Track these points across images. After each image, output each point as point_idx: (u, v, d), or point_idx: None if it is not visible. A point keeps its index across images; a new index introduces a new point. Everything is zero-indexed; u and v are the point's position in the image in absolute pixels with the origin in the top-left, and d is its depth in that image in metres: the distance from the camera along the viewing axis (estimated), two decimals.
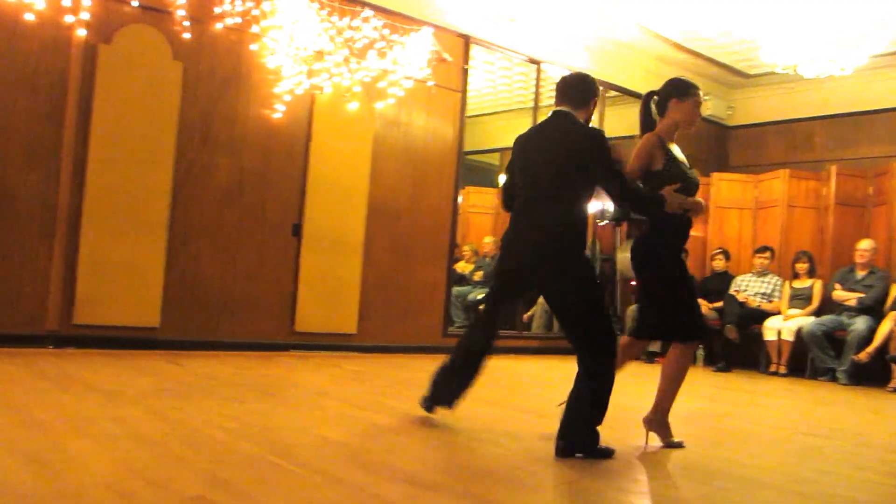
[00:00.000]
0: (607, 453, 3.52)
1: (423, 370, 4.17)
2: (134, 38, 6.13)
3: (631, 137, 10.38)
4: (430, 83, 7.63)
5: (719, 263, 9.30)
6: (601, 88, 9.26)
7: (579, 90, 3.87)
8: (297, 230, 6.94)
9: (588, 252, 3.97)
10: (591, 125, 3.91)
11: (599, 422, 3.56)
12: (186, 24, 6.16)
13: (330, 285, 7.10)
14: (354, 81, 7.05)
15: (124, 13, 6.06)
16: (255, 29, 6.56)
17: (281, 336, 6.84)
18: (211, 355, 6.18)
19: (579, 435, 3.51)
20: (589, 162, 3.70)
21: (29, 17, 5.59)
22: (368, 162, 7.37)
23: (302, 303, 6.94)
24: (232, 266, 6.60)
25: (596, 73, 9.02)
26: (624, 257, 9.14)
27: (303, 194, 6.97)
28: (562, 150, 3.76)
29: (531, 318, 9.44)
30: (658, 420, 3.96)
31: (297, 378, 5.55)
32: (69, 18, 5.72)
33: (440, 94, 7.82)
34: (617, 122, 10.15)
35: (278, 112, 6.73)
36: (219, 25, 6.39)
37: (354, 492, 2.68)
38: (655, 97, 4.19)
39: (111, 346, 5.97)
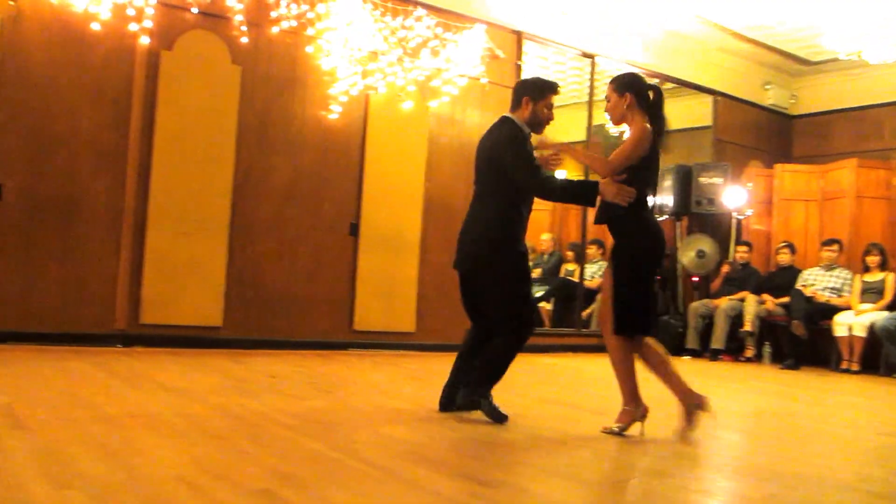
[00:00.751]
0: (499, 417, 3.87)
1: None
2: (194, 44, 6.28)
3: (688, 130, 10.29)
4: (484, 80, 7.63)
5: (785, 257, 9.08)
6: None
7: (515, 92, 4.15)
8: (354, 229, 7.01)
9: (516, 246, 4.07)
10: (513, 124, 4.08)
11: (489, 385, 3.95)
12: (244, 28, 6.28)
13: (387, 284, 7.16)
14: (408, 81, 7.09)
15: (185, 20, 6.20)
16: (310, 31, 6.65)
17: (340, 334, 6.92)
18: (271, 354, 6.28)
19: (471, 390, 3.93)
20: (500, 157, 3.97)
21: (95, 27, 5.76)
22: (423, 160, 7.40)
23: (360, 301, 7.01)
24: (291, 265, 6.71)
25: (652, 65, 9.05)
26: (686, 253, 9.03)
27: (359, 194, 7.04)
28: (486, 152, 4.10)
29: (590, 316, 9.35)
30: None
31: (357, 376, 5.60)
32: (133, 27, 5.88)
33: (494, 91, 7.79)
34: (675, 114, 10.00)
35: (334, 113, 6.81)
36: (275, 29, 6.50)
37: (415, 488, 2.69)
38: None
39: (176, 344, 6.12)
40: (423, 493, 2.64)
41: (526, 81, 4.27)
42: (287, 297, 6.68)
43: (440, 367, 5.06)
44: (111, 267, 5.97)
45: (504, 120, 4.13)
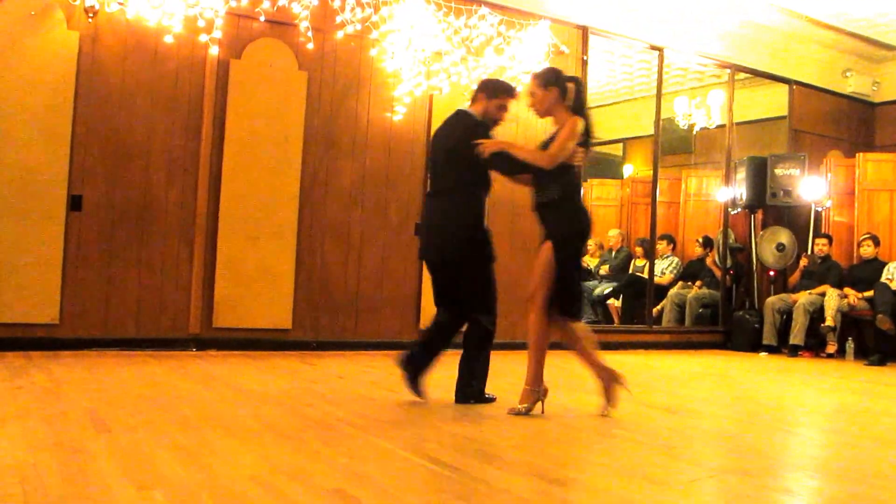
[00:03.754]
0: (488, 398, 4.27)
1: (549, 367, 4.14)
2: (262, 51, 6.40)
3: (762, 121, 10.03)
4: None
5: (868, 250, 8.74)
6: (727, 69, 9.05)
7: (476, 88, 4.42)
8: (419, 230, 7.03)
9: (485, 234, 4.36)
10: (471, 115, 4.28)
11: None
12: (310, 34, 6.36)
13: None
14: (472, 80, 7.08)
15: (253, 29, 6.33)
16: (374, 35, 6.70)
17: (407, 335, 6.93)
18: (340, 355, 6.36)
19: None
20: (462, 149, 4.12)
21: (168, 39, 5.92)
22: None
23: (427, 301, 7.00)
24: (358, 267, 6.79)
25: (725, 55, 8.84)
26: (765, 247, 8.80)
27: (424, 194, 7.05)
28: (444, 144, 4.28)
29: (660, 313, 9.21)
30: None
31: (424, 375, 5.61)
32: (203, 38, 6.02)
33: None
34: (748, 104, 9.79)
35: (399, 114, 6.85)
36: (340, 34, 6.57)
37: (484, 486, 2.69)
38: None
39: (248, 347, 6.24)
40: (494, 491, 2.63)
41: (487, 80, 4.53)
42: (355, 298, 6.76)
43: (508, 366, 5.05)
44: (185, 273, 6.13)
45: (461, 112, 4.35)
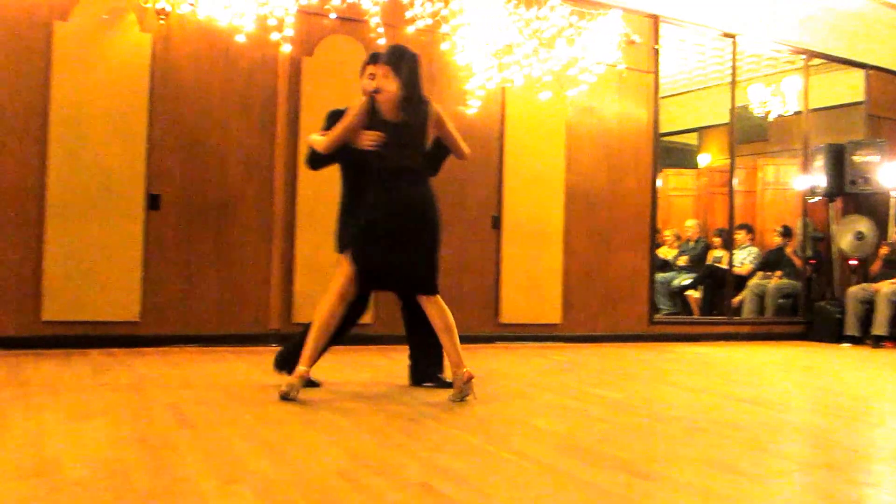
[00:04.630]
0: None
1: (629, 360, 4.07)
2: (333, 48, 6.44)
3: (838, 107, 9.70)
4: (621, 66, 7.44)
5: None
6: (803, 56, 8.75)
7: None
8: (496, 222, 7.02)
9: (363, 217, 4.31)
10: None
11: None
12: (380, 30, 6.37)
13: (532, 276, 7.13)
14: (545, 71, 7.01)
15: (324, 26, 6.37)
16: (444, 29, 6.68)
17: (486, 328, 6.94)
18: None
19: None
20: None
21: (240, 38, 6.00)
22: (563, 150, 7.33)
23: (505, 294, 7.02)
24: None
25: (799, 42, 8.56)
26: (844, 236, 8.50)
27: (500, 187, 7.05)
28: None
29: (741, 303, 8.99)
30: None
31: (505, 369, 5.59)
32: (275, 36, 6.08)
33: (631, 77, 7.62)
34: (823, 91, 9.48)
35: (471, 108, 6.81)
36: (410, 29, 6.56)
37: (570, 480, 2.64)
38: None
39: (330, 342, 6.27)
40: (580, 485, 2.58)
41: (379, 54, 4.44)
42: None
43: (587, 359, 5.00)
44: (264, 269, 6.21)
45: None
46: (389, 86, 4.04)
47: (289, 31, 6.10)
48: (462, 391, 4.00)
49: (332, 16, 6.31)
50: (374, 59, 4.32)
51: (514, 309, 7.03)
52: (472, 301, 6.90)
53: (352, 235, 4.16)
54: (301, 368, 3.96)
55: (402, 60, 4.08)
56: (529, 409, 4.02)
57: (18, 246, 5.54)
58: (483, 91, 6.82)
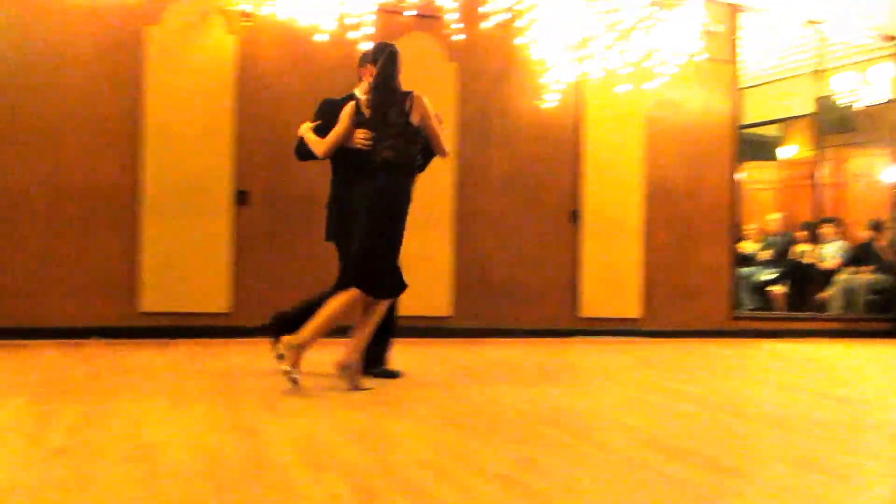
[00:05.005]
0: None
1: (712, 355, 4.01)
2: (411, 46, 6.49)
3: None
4: (701, 57, 7.30)
5: None
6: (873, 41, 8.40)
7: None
8: (574, 216, 7.00)
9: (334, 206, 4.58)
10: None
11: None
12: (458, 26, 6.41)
13: (611, 270, 7.10)
14: (623, 64, 6.93)
15: (402, 23, 6.45)
16: (520, 23, 6.67)
17: (565, 322, 6.94)
18: (499, 342, 6.40)
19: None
20: None
21: (320, 38, 6.11)
22: (642, 143, 7.26)
23: (584, 288, 7.00)
24: (515, 255, 6.83)
25: (886, 27, 8.23)
26: None
27: (578, 181, 7.03)
28: None
29: (827, 300, 8.71)
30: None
31: (586, 363, 5.58)
32: (354, 34, 6.17)
33: (711, 68, 7.47)
34: None
35: (549, 101, 6.80)
36: (487, 24, 6.58)
37: (657, 475, 2.63)
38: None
39: (409, 334, 6.33)
40: (666, 481, 2.57)
41: (362, 54, 4.60)
42: (512, 285, 6.80)
43: (669, 354, 4.94)
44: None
45: (347, 96, 4.43)
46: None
47: (368, 30, 6.18)
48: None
49: (411, 13, 6.37)
50: (362, 60, 4.47)
51: (593, 303, 7.02)
52: (549, 295, 6.92)
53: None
54: (297, 340, 4.00)
55: (379, 56, 4.20)
56: (611, 404, 4.00)
57: (117, 242, 5.83)
58: (560, 85, 6.79)
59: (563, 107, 6.90)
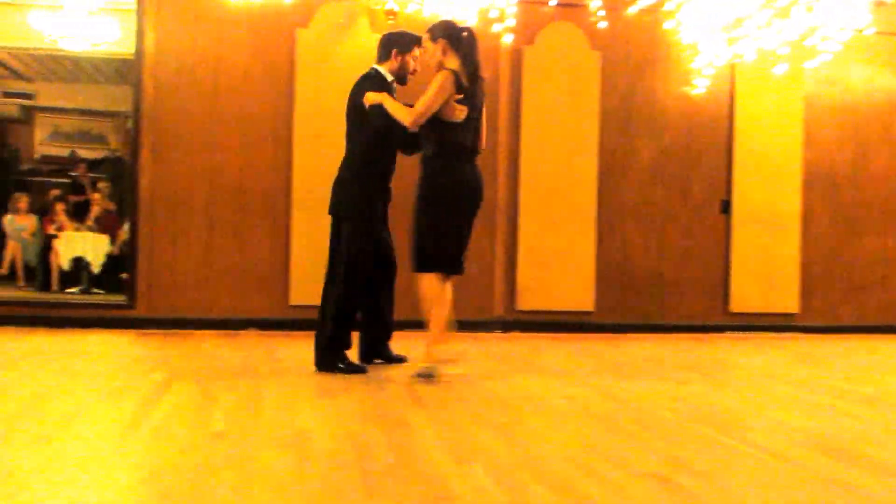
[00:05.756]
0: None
1: (881, 352, 3.75)
2: (554, 35, 6.43)
3: None
4: (870, 31, 6.79)
5: None
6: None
7: (382, 45, 4.38)
8: (725, 207, 6.70)
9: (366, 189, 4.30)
10: (380, 75, 4.31)
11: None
12: (601, 14, 6.26)
13: (766, 263, 6.74)
14: (780, 43, 6.55)
15: (544, 14, 6.38)
16: (668, 7, 6.44)
17: (715, 317, 6.66)
18: (644, 337, 6.23)
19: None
20: (351, 108, 4.24)
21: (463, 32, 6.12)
22: (800, 127, 6.85)
23: (736, 282, 6.68)
24: (660, 247, 6.61)
25: None
26: None
27: (729, 169, 6.73)
28: (350, 102, 4.29)
29: None
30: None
31: (738, 359, 5.34)
32: (497, 27, 6.16)
33: (882, 42, 6.95)
34: None
35: (698, 87, 6.53)
36: (632, 10, 6.39)
37: (822, 480, 2.46)
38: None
39: (551, 329, 6.31)
40: (829, 484, 2.40)
41: (393, 34, 4.48)
42: (658, 279, 6.60)
43: (832, 350, 4.65)
44: (488, 257, 6.33)
45: (370, 72, 4.35)
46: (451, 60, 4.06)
47: (510, 22, 6.15)
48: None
49: (553, 3, 6.28)
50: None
51: (745, 297, 6.69)
52: (698, 289, 6.67)
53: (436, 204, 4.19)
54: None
55: (456, 36, 4.11)
56: (767, 402, 3.81)
57: (270, 239, 6.10)
58: (711, 69, 6.51)
59: (713, 92, 6.61)
